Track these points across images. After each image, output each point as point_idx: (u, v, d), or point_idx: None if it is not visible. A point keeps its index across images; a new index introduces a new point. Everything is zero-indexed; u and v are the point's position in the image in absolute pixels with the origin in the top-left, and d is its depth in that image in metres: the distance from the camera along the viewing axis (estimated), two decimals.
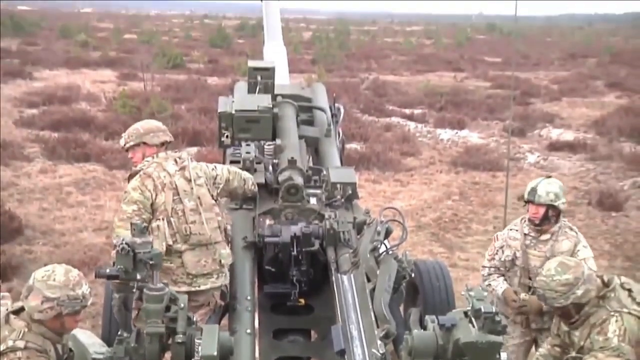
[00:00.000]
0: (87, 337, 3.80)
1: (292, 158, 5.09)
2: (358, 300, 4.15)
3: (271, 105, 5.33)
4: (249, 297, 4.33)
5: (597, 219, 10.16)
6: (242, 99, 5.56)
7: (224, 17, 79.53)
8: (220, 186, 4.52)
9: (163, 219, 4.19)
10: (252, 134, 5.30)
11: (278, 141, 5.39)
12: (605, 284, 3.66)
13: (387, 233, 4.53)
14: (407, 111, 19.18)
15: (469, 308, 3.07)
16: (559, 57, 39.57)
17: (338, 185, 4.94)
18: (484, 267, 4.77)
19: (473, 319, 3.05)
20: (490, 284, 4.61)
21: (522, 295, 4.47)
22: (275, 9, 7.96)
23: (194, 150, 12.88)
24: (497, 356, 3.03)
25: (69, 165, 12.01)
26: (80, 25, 49.12)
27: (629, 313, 3.54)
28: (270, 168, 5.25)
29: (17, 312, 3.15)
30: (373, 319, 3.92)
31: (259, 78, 5.75)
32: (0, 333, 3.07)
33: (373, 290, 4.11)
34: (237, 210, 4.95)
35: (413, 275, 4.59)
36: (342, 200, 4.94)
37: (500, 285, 4.59)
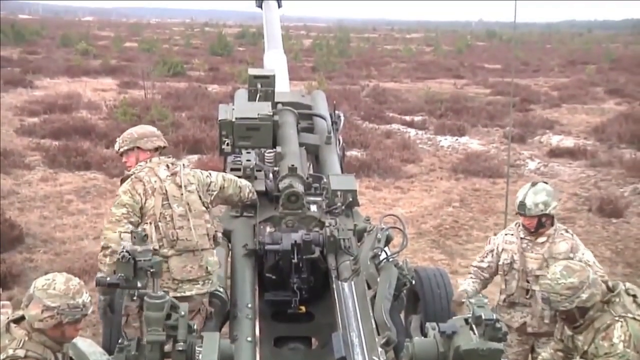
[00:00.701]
0: (87, 346, 3.79)
1: (293, 165, 5.09)
2: (359, 308, 4.14)
3: (271, 113, 5.34)
4: (249, 305, 4.32)
5: (598, 226, 10.14)
6: (242, 107, 5.57)
7: (224, 25, 79.76)
8: (214, 193, 4.52)
9: (151, 223, 4.20)
10: (252, 141, 5.30)
11: (278, 149, 5.39)
12: (610, 289, 3.65)
13: (388, 240, 4.54)
14: (408, 118, 19.19)
15: (470, 315, 3.07)
16: (559, 64, 39.60)
17: (338, 193, 4.95)
18: (471, 266, 4.84)
19: (474, 326, 3.04)
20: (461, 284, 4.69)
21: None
22: (275, 16, 7.99)
23: (194, 157, 12.91)
24: None
25: (70, 174, 12.01)
26: (81, 34, 49.25)
27: (634, 318, 3.53)
28: (271, 176, 5.25)
29: (18, 320, 3.15)
30: (374, 326, 3.92)
31: (259, 86, 5.76)
32: (0, 342, 3.06)
33: (374, 297, 4.11)
34: (237, 218, 4.96)
35: (414, 282, 4.59)
36: (343, 207, 4.94)
37: (464, 284, 4.66)
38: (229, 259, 4.79)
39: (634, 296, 3.65)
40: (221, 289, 4.43)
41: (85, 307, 3.16)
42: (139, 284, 3.33)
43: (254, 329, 4.22)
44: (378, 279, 4.18)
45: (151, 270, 3.29)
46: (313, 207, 4.99)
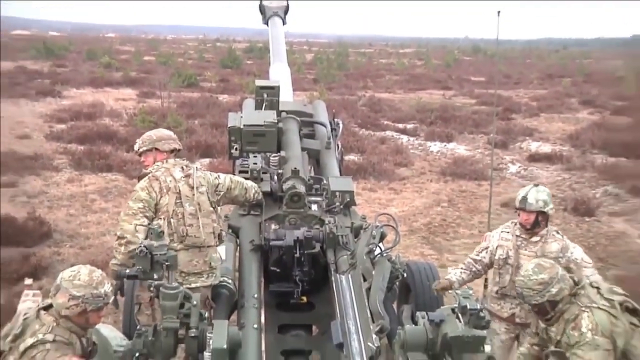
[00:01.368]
0: (109, 331, 3.78)
1: (295, 168, 5.09)
2: (355, 298, 4.13)
3: (276, 121, 5.35)
4: (255, 295, 4.31)
5: (572, 224, 10.15)
6: (249, 115, 5.57)
7: (234, 41, 79.68)
8: (221, 194, 4.52)
9: (164, 219, 4.20)
10: (258, 146, 5.32)
11: (282, 153, 5.39)
12: (576, 283, 3.67)
13: (382, 237, 4.53)
14: (401, 126, 19.20)
15: (456, 305, 3.07)
16: (538, 77, 39.57)
17: (337, 193, 4.94)
18: (468, 257, 4.83)
19: (460, 315, 3.04)
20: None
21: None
22: (280, 33, 7.98)
23: (206, 161, 12.91)
24: (482, 349, 3.03)
25: (94, 175, 12.03)
26: (105, 49, 49.28)
27: (599, 308, 3.54)
28: (275, 177, 5.24)
29: (47, 308, 3.16)
30: (369, 315, 3.91)
31: (265, 96, 5.76)
32: (31, 327, 3.08)
33: (369, 289, 4.09)
34: (245, 216, 4.96)
35: (405, 275, 4.57)
36: (341, 207, 4.93)
37: (451, 274, 4.69)
38: (237, 254, 4.79)
39: (598, 288, 3.67)
40: (229, 281, 4.42)
41: (107, 296, 3.16)
42: (155, 276, 3.32)
43: (259, 317, 4.20)
44: (373, 272, 4.17)
45: (166, 264, 3.29)
46: (314, 207, 4.98)
